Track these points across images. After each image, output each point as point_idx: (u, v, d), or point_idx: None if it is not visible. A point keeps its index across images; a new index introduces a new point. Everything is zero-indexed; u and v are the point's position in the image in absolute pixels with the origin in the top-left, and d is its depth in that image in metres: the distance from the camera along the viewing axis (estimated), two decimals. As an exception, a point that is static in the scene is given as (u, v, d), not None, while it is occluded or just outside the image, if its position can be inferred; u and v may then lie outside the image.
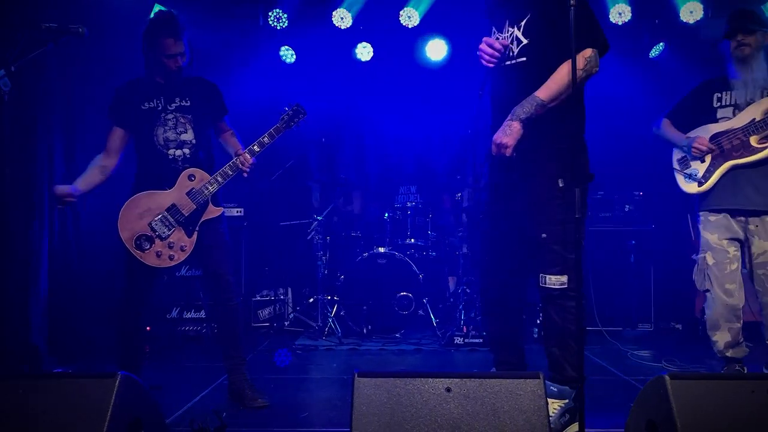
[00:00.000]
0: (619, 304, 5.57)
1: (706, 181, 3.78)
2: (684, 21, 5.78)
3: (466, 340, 4.98)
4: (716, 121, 3.80)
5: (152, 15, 5.47)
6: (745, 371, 3.79)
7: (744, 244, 3.74)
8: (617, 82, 6.32)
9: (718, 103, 3.81)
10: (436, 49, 6.35)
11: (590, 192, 5.65)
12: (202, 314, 5.29)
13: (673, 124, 4.01)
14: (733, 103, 3.76)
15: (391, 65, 6.59)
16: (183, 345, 5.19)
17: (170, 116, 3.48)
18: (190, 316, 5.38)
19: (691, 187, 3.88)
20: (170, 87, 3.50)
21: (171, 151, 3.47)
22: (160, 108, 3.48)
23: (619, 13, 5.88)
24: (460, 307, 5.38)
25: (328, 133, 6.81)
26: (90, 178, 3.46)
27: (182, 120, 3.49)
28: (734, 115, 3.74)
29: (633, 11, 5.86)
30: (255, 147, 3.58)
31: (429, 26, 6.21)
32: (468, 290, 5.53)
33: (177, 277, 5.53)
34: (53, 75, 4.66)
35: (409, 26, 6.06)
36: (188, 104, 3.52)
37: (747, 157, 3.63)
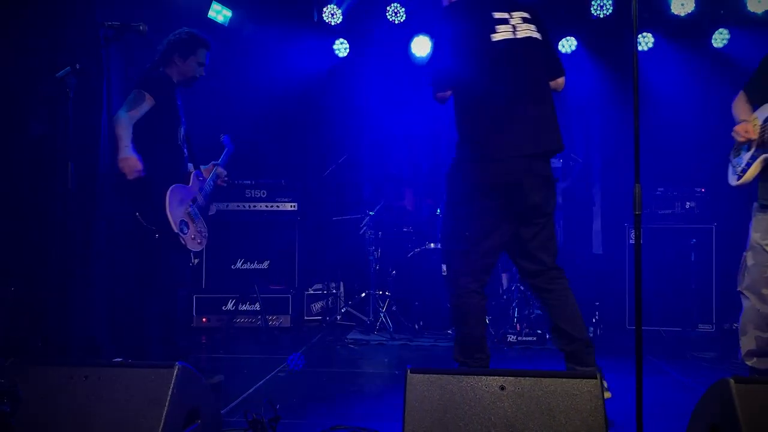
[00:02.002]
0: (679, 304, 5.40)
1: (743, 175, 3.30)
2: (751, 11, 5.56)
3: (519, 338, 4.92)
4: None
5: (219, 19, 5.66)
6: None
7: None
8: (679, 74, 6.14)
9: None
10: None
11: (649, 189, 5.57)
12: (257, 307, 5.38)
13: (748, 99, 3.45)
14: None
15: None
16: (238, 336, 5.29)
17: (182, 117, 3.76)
18: (245, 308, 5.48)
19: (732, 180, 3.43)
20: (181, 91, 3.79)
21: (185, 150, 3.76)
22: (180, 107, 3.74)
23: (682, 4, 5.70)
24: (514, 304, 5.31)
25: (381, 128, 6.82)
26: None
27: (183, 126, 3.79)
28: None
29: (696, 1, 5.66)
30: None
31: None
32: (522, 287, 5.45)
33: (232, 269, 5.65)
34: (115, 71, 4.79)
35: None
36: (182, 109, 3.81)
37: None
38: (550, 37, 3.28)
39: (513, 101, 3.01)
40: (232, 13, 5.87)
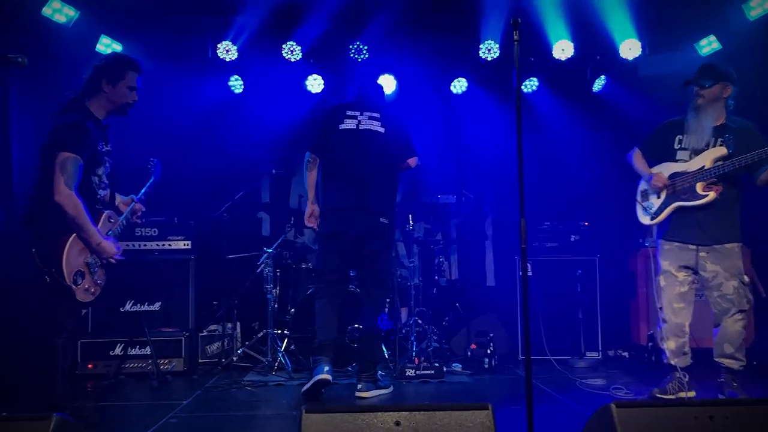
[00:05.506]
0: (567, 333, 5.64)
1: (656, 216, 4.28)
2: (623, 57, 6.00)
3: (417, 372, 4.96)
4: (675, 160, 4.23)
5: (108, 52, 5.50)
6: (687, 378, 4.15)
7: (697, 272, 4.16)
8: (561, 115, 6.52)
9: (678, 145, 4.23)
10: (385, 84, 6.42)
11: (536, 223, 5.84)
12: (147, 350, 5.14)
13: (643, 156, 4.43)
14: (690, 147, 4.17)
15: (342, 98, 6.64)
16: (128, 382, 5.01)
17: (106, 158, 3.58)
18: (134, 352, 5.22)
19: (645, 219, 4.38)
20: (106, 130, 3.59)
21: (99, 192, 3.56)
22: (104, 150, 3.55)
23: (562, 49, 6.07)
24: (412, 338, 5.37)
25: (279, 164, 6.78)
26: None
27: (108, 163, 3.60)
28: (690, 158, 4.16)
29: (575, 47, 6.05)
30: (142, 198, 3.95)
31: (379, 60, 6.31)
32: (420, 321, 5.52)
33: (121, 312, 5.38)
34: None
35: (359, 60, 6.13)
36: (111, 149, 3.63)
37: (691, 201, 4.11)
38: (405, 131, 4.67)
39: (348, 171, 4.49)
40: (122, 47, 5.72)
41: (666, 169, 4.27)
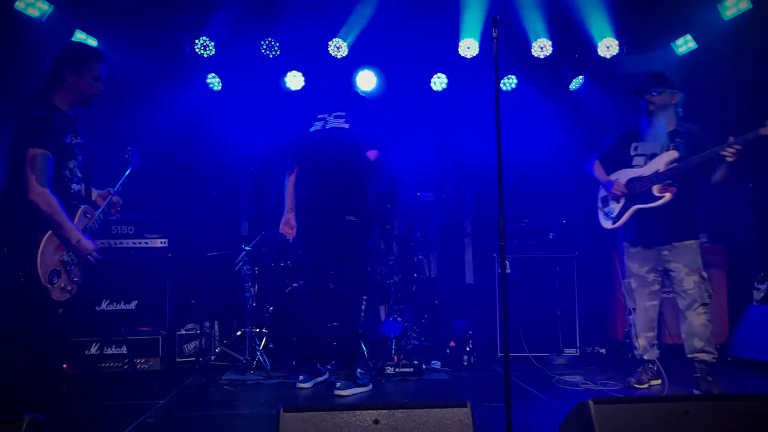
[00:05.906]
0: (545, 330, 5.68)
1: (617, 220, 4.56)
2: (601, 55, 6.04)
3: (396, 370, 4.95)
4: (632, 166, 4.51)
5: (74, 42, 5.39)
6: (655, 367, 4.48)
7: (664, 271, 4.42)
8: (539, 113, 6.54)
9: (634, 152, 4.53)
10: (366, 80, 6.41)
11: (515, 220, 5.87)
12: (124, 350, 5.07)
13: (601, 165, 4.72)
14: (644, 153, 4.47)
15: (321, 95, 6.60)
16: (104, 383, 4.95)
17: (77, 150, 3.48)
18: (110, 352, 5.15)
19: (606, 224, 4.67)
20: (73, 122, 3.50)
21: (73, 186, 3.47)
22: (74, 142, 3.46)
23: (541, 47, 6.08)
24: (391, 336, 5.36)
25: (258, 161, 6.73)
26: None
27: (79, 156, 3.51)
28: (645, 164, 4.44)
29: (554, 45, 6.07)
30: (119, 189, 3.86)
31: (358, 57, 6.28)
32: (399, 319, 5.52)
33: (97, 311, 5.31)
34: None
35: (338, 57, 6.10)
36: (81, 141, 3.54)
37: (648, 203, 4.37)
38: (368, 124, 4.64)
39: (314, 171, 4.62)
40: (98, 43, 5.64)
41: (623, 175, 4.54)
